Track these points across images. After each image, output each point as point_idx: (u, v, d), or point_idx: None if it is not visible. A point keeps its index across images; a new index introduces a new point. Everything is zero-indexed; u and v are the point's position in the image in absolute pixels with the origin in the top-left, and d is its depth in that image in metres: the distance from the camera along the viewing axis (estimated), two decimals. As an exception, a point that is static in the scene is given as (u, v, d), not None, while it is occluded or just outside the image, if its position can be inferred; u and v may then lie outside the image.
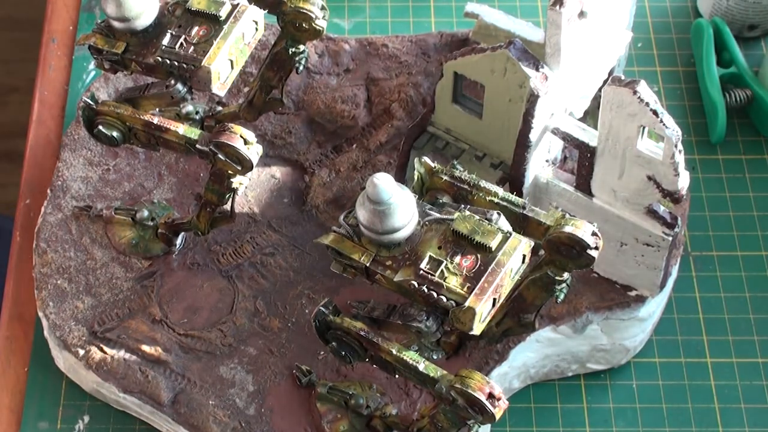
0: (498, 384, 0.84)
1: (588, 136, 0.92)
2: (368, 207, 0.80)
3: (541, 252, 0.82)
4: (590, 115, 0.99)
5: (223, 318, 0.98)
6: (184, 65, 0.89)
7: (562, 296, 0.84)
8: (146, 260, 1.01)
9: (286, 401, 0.95)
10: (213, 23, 0.90)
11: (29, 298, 1.02)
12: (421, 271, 0.80)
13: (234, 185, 0.91)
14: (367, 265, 0.82)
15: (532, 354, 0.98)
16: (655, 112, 0.85)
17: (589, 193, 0.94)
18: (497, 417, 0.81)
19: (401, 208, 0.80)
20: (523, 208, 0.83)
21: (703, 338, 1.02)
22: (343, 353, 0.86)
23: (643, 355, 1.01)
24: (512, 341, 0.95)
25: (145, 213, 1.02)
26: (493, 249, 0.80)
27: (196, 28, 0.90)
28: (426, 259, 0.81)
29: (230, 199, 0.93)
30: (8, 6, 1.99)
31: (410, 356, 0.83)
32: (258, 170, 1.05)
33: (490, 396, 0.80)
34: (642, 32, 1.19)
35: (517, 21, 1.03)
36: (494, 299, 0.80)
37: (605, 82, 0.96)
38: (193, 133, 0.91)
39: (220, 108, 1.03)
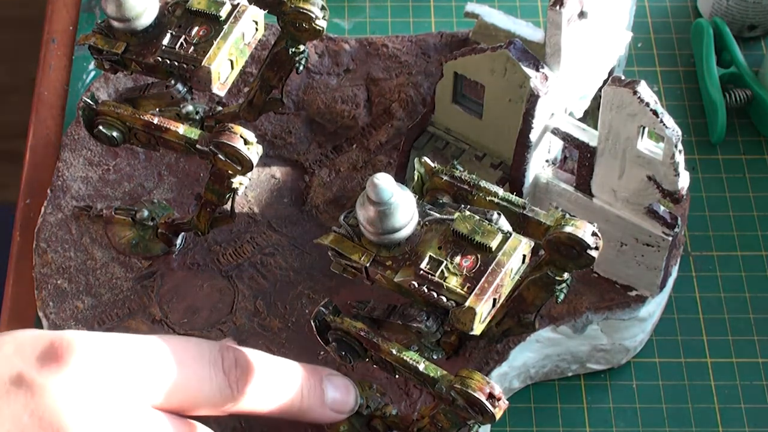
0: (498, 384, 0.84)
1: (588, 136, 0.91)
2: (368, 207, 0.80)
3: (541, 252, 0.82)
4: (590, 115, 0.99)
5: (223, 318, 0.98)
6: (184, 65, 0.89)
7: (562, 296, 0.84)
8: (146, 260, 1.01)
9: (286, 401, 0.95)
10: (213, 23, 0.90)
11: (29, 298, 1.02)
12: (421, 271, 0.80)
13: (234, 185, 0.91)
14: (367, 265, 0.82)
15: (532, 354, 0.98)
16: (655, 112, 0.85)
17: (589, 193, 0.94)
18: (497, 417, 0.80)
19: (401, 208, 0.80)
20: (523, 208, 0.83)
21: (703, 338, 1.02)
22: (343, 353, 0.86)
23: (643, 355, 1.01)
24: (512, 341, 0.95)
25: (145, 213, 1.02)
26: (493, 249, 0.80)
27: (196, 28, 0.90)
28: (426, 259, 0.80)
29: (230, 199, 0.93)
30: (8, 6, 1.98)
31: (410, 356, 0.83)
32: (258, 170, 1.05)
33: (490, 396, 0.80)
34: (642, 32, 1.19)
35: (517, 21, 1.03)
36: (494, 299, 0.80)
37: (605, 82, 0.96)
38: (193, 133, 0.91)
39: (220, 108, 1.03)
